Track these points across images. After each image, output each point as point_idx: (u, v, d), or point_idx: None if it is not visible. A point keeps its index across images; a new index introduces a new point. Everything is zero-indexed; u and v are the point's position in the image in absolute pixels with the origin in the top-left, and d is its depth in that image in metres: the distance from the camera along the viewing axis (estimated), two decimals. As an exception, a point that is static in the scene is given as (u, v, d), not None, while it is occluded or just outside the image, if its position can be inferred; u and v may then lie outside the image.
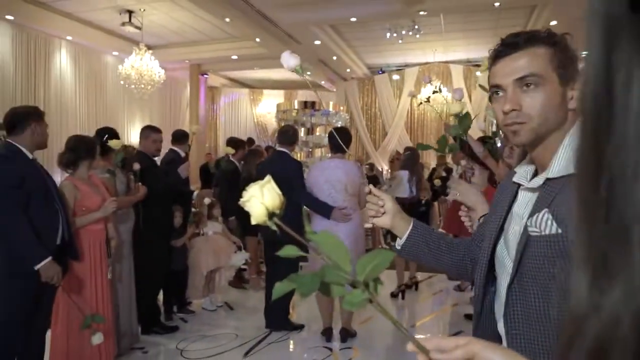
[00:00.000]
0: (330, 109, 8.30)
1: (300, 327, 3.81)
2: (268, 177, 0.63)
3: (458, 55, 10.96)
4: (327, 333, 3.64)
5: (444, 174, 6.91)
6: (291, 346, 3.61)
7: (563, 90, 0.91)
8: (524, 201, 0.96)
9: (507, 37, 0.95)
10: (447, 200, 5.56)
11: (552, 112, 0.90)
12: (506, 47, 0.94)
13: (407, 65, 11.89)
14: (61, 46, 8.85)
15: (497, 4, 7.25)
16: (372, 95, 12.41)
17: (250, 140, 8.39)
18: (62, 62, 8.89)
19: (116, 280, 3.16)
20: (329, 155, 8.96)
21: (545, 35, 0.92)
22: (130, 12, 8.28)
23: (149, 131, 3.69)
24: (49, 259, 2.38)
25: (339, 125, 9.47)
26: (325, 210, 3.43)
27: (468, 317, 4.19)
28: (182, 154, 4.40)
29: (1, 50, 7.67)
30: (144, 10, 8.11)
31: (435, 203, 6.78)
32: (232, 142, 5.09)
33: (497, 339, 0.99)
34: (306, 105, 8.30)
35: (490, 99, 1.01)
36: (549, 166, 0.90)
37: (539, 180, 0.92)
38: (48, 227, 2.51)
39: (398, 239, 1.20)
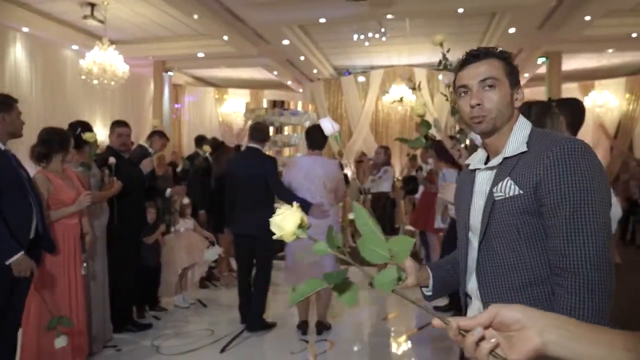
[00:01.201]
0: (299, 108, 8.36)
1: (273, 325, 3.84)
2: (295, 205, 0.72)
3: (422, 59, 11.28)
4: (302, 326, 3.69)
5: (413, 172, 7.12)
6: (267, 341, 3.64)
7: (512, 92, 1.18)
8: (484, 180, 1.22)
9: (471, 51, 1.22)
10: (415, 197, 5.75)
11: (505, 108, 1.16)
12: (471, 57, 1.20)
13: (372, 67, 12.12)
14: (16, 38, 8.45)
15: (460, 10, 7.55)
16: (338, 96, 12.56)
17: (215, 140, 8.33)
18: (17, 54, 8.49)
19: (89, 277, 3.08)
20: (299, 154, 8.98)
21: (498, 52, 1.21)
22: (92, 5, 8.02)
23: (115, 125, 3.62)
24: (21, 253, 2.31)
25: (307, 125, 9.56)
26: (304, 206, 3.48)
27: (437, 308, 4.36)
28: (151, 150, 4.36)
29: (-49, 40, 7.23)
30: (107, 3, 7.87)
31: (402, 200, 6.98)
32: (212, 142, 5.13)
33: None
34: (275, 104, 8.32)
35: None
36: (504, 149, 1.17)
37: (498, 160, 1.17)
38: (21, 220, 2.43)
39: (425, 289, 1.33)
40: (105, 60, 8.20)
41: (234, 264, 5.32)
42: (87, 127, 3.26)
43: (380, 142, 12.24)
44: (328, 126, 1.20)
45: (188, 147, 12.58)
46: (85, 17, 8.14)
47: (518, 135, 1.17)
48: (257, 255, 3.70)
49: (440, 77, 10.38)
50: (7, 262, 2.29)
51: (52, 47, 9.27)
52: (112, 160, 3.30)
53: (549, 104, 1.84)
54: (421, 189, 5.34)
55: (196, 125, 12.87)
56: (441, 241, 4.59)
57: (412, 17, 8.27)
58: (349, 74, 12.38)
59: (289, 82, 12.83)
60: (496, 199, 1.14)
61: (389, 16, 7.88)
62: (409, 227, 6.64)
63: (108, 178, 3.30)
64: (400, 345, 3.70)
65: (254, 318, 3.73)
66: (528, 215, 1.10)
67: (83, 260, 2.87)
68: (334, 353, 3.42)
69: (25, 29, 8.46)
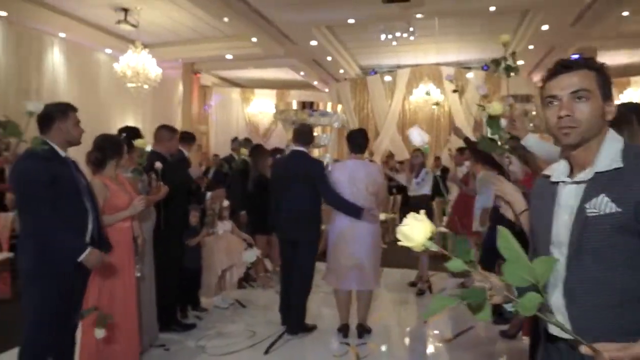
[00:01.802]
0: (329, 109, 8.38)
1: (314, 328, 3.87)
2: (422, 214, 0.73)
3: (449, 58, 11.16)
4: (343, 329, 3.70)
5: (438, 173, 7.06)
6: (308, 343, 3.66)
7: (603, 105, 1.16)
8: (570, 193, 1.19)
9: (562, 61, 1.20)
10: (448, 199, 5.70)
11: (595, 121, 1.15)
12: (562, 67, 1.18)
13: (399, 67, 12.05)
14: (54, 43, 8.71)
15: (492, 9, 7.44)
16: (364, 95, 12.53)
17: (248, 140, 8.41)
18: (55, 59, 8.75)
19: (140, 278, 3.17)
20: (328, 155, 8.97)
21: (591, 62, 1.18)
22: (126, 10, 8.21)
23: (168, 132, 3.67)
24: (89, 248, 2.38)
25: (336, 126, 9.57)
26: (354, 211, 3.48)
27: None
28: (187, 154, 4.42)
29: (-7, 47, 7.51)
30: (140, 8, 8.04)
31: (434, 203, 6.93)
32: (249, 144, 5.22)
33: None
34: (304, 105, 8.35)
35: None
36: (594, 163, 1.15)
37: (588, 174, 1.15)
38: (77, 225, 2.51)
39: (507, 305, 1.24)
40: (138, 64, 8.39)
41: (269, 265, 5.39)
42: (136, 133, 3.34)
43: (407, 142, 12.17)
44: (416, 137, 1.20)
45: (215, 148, 12.74)
46: (118, 21, 8.33)
47: (610, 150, 1.14)
48: (299, 259, 3.70)
49: (468, 75, 10.26)
50: (79, 260, 2.36)
51: (87, 52, 9.52)
52: (158, 165, 3.36)
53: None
54: (456, 191, 5.29)
55: (223, 126, 13.03)
56: (481, 244, 4.54)
57: (443, 16, 8.19)
58: (375, 73, 12.34)
59: (315, 82, 12.86)
60: (589, 215, 1.12)
61: (419, 15, 7.82)
62: (442, 229, 6.60)
63: (155, 182, 3.36)
64: (442, 350, 3.69)
65: (294, 321, 3.76)
66: (626, 234, 1.08)
67: (136, 263, 2.95)
68: (375, 357, 3.43)
69: (62, 35, 8.72)
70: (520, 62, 10.05)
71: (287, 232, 3.70)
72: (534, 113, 8.58)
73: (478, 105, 2.37)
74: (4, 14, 7.53)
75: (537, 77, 11.69)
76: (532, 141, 2.24)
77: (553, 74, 1.19)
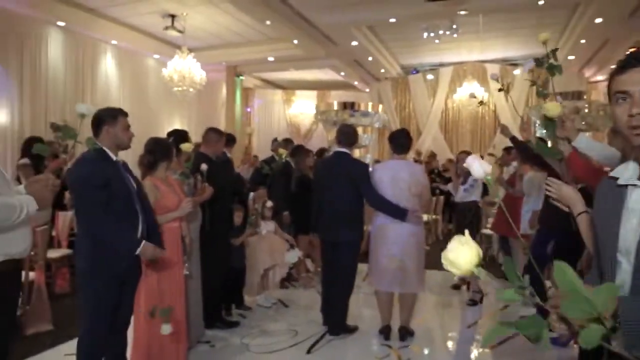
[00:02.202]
0: (370, 109, 8.34)
1: (356, 329, 3.87)
2: (467, 235, 0.70)
3: (494, 54, 10.84)
4: (385, 331, 3.68)
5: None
6: (350, 344, 3.67)
7: None
8: None
9: (635, 53, 1.09)
10: (496, 201, 5.54)
11: None
12: (635, 60, 1.07)
13: (441, 65, 11.82)
14: (107, 50, 9.15)
15: (541, 2, 7.16)
16: (406, 95, 12.38)
17: (288, 141, 8.52)
18: (108, 65, 9.20)
19: (188, 277, 3.29)
20: (369, 155, 8.92)
21: None
22: (172, 17, 8.51)
23: (216, 135, 3.79)
24: (143, 242, 2.48)
25: (377, 126, 9.52)
26: (399, 213, 3.45)
27: (523, 317, 4.18)
28: (229, 155, 4.53)
29: (53, 55, 7.99)
30: (186, 14, 8.31)
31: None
32: (290, 144, 5.30)
33: None
34: (345, 106, 8.36)
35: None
36: None
37: None
38: (129, 226, 2.62)
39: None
40: (184, 68, 8.68)
41: (310, 265, 5.45)
42: (183, 136, 3.47)
43: (450, 141, 11.94)
44: (478, 169, 1.16)
45: (257, 149, 12.97)
46: (166, 28, 8.66)
47: None
48: (341, 260, 3.71)
49: (515, 72, 9.90)
50: (136, 253, 2.47)
51: (137, 57, 9.94)
52: (204, 166, 3.46)
53: None
54: (502, 192, 5.13)
55: (265, 128, 13.24)
56: (529, 248, 4.38)
57: (488, 12, 7.96)
58: (417, 72, 12.16)
59: (356, 82, 12.83)
60: None
61: (462, 12, 7.64)
62: (487, 232, 6.42)
63: (200, 184, 3.47)
64: (487, 356, 3.60)
65: (336, 322, 3.78)
66: None
67: (184, 262, 3.07)
68: (418, 360, 3.40)
69: (114, 42, 9.14)
70: (570, 57, 9.62)
71: (328, 232, 3.73)
72: (585, 111, 8.18)
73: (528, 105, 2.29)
74: (62, 24, 8.00)
75: (589, 72, 11.14)
76: (584, 142, 2.14)
77: (624, 67, 1.08)
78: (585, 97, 8.71)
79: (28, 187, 2.10)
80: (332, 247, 3.73)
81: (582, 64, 10.54)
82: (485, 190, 5.27)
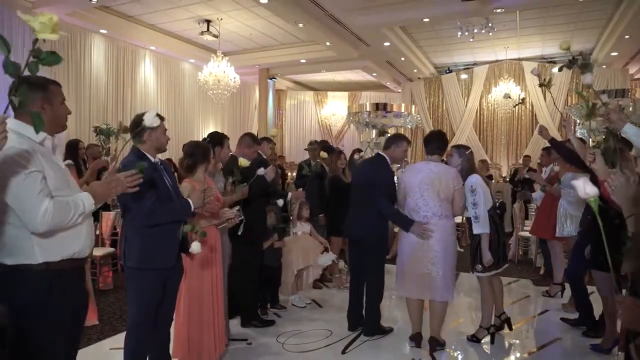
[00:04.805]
0: (402, 110, 8.29)
1: (390, 330, 3.86)
2: None
3: (532, 52, 10.56)
4: (415, 338, 3.58)
5: (526, 175, 6.70)
6: (384, 347, 3.66)
7: None
8: None
9: None
10: (536, 201, 5.40)
11: None
12: None
13: (475, 64, 11.61)
14: (145, 55, 9.48)
15: (581, -2, 6.94)
16: (439, 95, 12.22)
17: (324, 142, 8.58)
18: (146, 70, 9.52)
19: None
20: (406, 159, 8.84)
21: None
22: (208, 22, 8.73)
23: (252, 141, 3.87)
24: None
25: (409, 127, 9.43)
26: (404, 222, 3.40)
27: (565, 321, 4.06)
28: (265, 157, 4.59)
29: (96, 61, 8.34)
30: (221, 19, 8.51)
31: (515, 205, 6.60)
32: (326, 146, 5.35)
33: None
34: (378, 106, 8.34)
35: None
36: None
37: None
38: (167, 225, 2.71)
39: None
40: (219, 72, 8.88)
41: (341, 266, 5.46)
42: (219, 139, 3.55)
43: (485, 142, 11.70)
44: (581, 188, 1.25)
45: (288, 151, 13.10)
46: (202, 33, 8.89)
47: None
48: (367, 260, 3.71)
49: (554, 70, 9.59)
50: (193, 209, 2.60)
51: (174, 62, 10.25)
52: (261, 170, 3.49)
53: None
54: (540, 193, 4.99)
55: (297, 129, 13.35)
56: (570, 252, 4.26)
57: (524, 9, 7.77)
58: (450, 71, 11.99)
59: (388, 83, 12.77)
60: None
61: (499, 10, 7.49)
62: (524, 234, 6.27)
63: (230, 187, 3.53)
64: (525, 360, 3.52)
65: (370, 323, 3.77)
66: None
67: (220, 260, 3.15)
68: (454, 363, 3.36)
69: (152, 47, 9.46)
70: (613, 53, 9.24)
71: (353, 232, 3.77)
72: (631, 109, 7.83)
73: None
74: (104, 31, 8.34)
75: (634, 69, 10.67)
76: (632, 131, 2.07)
77: None
78: (629, 95, 8.34)
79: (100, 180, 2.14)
80: (357, 247, 3.77)
81: (627, 60, 10.11)
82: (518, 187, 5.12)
